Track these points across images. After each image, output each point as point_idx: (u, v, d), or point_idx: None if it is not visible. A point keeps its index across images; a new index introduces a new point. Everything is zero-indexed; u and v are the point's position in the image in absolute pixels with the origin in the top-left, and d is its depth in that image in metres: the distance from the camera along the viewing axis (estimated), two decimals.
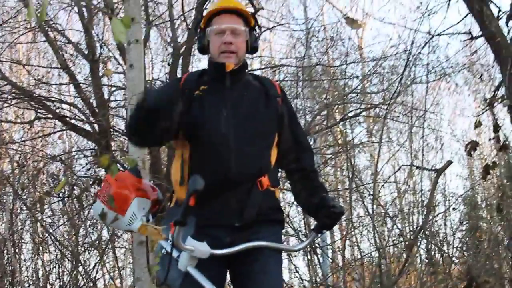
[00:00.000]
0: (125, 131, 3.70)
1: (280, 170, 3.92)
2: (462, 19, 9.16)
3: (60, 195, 10.72)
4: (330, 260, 11.13)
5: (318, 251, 9.71)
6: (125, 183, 3.52)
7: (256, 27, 3.82)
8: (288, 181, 3.96)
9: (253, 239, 3.43)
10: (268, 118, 3.64)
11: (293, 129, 3.74)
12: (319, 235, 4.13)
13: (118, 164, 8.19)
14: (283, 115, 3.70)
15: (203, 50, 3.76)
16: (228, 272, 3.58)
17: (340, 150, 11.09)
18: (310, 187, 3.68)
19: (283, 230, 3.90)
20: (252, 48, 3.76)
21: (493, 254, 10.00)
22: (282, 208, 3.83)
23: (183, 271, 3.25)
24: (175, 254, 3.29)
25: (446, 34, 9.58)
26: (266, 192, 3.54)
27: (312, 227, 3.64)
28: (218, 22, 3.68)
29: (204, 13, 3.79)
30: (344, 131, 10.52)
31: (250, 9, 3.92)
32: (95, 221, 10.68)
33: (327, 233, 11.97)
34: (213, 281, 3.28)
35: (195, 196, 3.05)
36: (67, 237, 11.09)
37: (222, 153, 3.46)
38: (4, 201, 10.80)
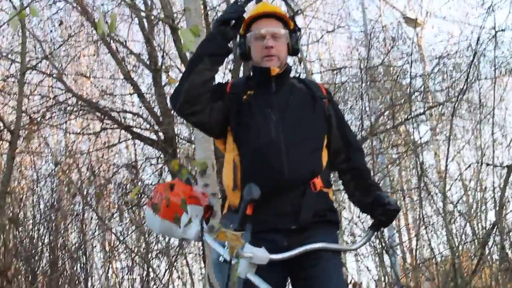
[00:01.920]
0: (173, 93, 3.66)
1: (332, 171, 3.88)
2: None
3: (129, 203, 10.85)
4: (401, 260, 11.01)
5: (389, 251, 9.59)
6: (177, 191, 3.51)
7: (297, 29, 3.81)
8: (341, 182, 3.91)
9: (310, 241, 3.39)
10: (316, 120, 3.61)
11: (341, 129, 3.71)
12: (375, 233, 4.06)
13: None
14: (331, 116, 3.67)
15: (245, 56, 3.75)
16: (288, 277, 3.55)
17: (408, 149, 10.98)
18: (363, 186, 3.63)
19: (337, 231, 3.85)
20: (293, 50, 3.75)
21: None
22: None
23: (243, 278, 3.23)
24: (233, 261, 3.26)
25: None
26: (320, 194, 3.50)
27: (368, 226, 3.56)
28: (258, 27, 3.67)
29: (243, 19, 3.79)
30: (412, 129, 10.37)
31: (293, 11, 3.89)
32: None
33: (396, 232, 11.84)
34: (274, 286, 3.26)
35: (252, 205, 3.04)
36: (137, 245, 11.22)
37: (274, 158, 3.44)
38: (76, 211, 10.97)
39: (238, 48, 3.80)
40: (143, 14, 11.14)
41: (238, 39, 3.78)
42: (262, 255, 3.20)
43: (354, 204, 3.84)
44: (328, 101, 3.72)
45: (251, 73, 3.77)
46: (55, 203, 10.94)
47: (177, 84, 3.59)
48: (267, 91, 3.63)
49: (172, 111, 11.06)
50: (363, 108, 10.81)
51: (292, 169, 3.41)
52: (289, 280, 3.57)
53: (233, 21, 3.50)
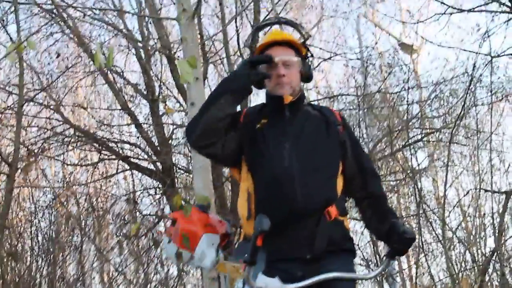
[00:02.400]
0: (189, 125, 3.66)
1: (347, 198, 3.87)
2: None
3: (126, 234, 10.82)
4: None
5: (389, 279, 9.55)
6: (193, 220, 3.50)
7: (309, 55, 3.80)
8: (357, 208, 3.89)
9: (325, 271, 3.37)
10: (330, 147, 3.60)
11: (356, 155, 3.68)
12: (391, 262, 4.04)
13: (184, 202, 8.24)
14: (345, 142, 3.65)
15: (258, 84, 3.75)
16: None
17: (406, 176, 10.97)
18: (379, 213, 3.62)
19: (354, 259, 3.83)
20: (306, 76, 3.74)
21: None
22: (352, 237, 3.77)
23: None
24: None
25: (507, 55, 9.46)
26: (335, 222, 3.48)
27: (384, 254, 3.54)
28: (270, 54, 3.67)
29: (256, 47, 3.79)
30: (410, 156, 10.36)
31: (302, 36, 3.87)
32: (162, 258, 10.76)
33: (395, 260, 11.80)
34: None
35: (263, 236, 3.02)
36: (136, 276, 11.18)
37: (287, 187, 3.42)
38: (74, 242, 10.94)
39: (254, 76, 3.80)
40: (140, 44, 11.18)
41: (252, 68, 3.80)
42: (275, 285, 3.19)
43: (370, 231, 3.83)
44: (343, 127, 3.70)
45: (266, 101, 3.77)
46: (53, 235, 10.90)
47: (174, 114, 3.62)
48: (281, 119, 3.62)
49: (170, 141, 11.08)
50: (361, 135, 10.82)
51: (306, 198, 3.40)
52: None
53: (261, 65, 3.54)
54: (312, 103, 4.13)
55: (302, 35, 3.84)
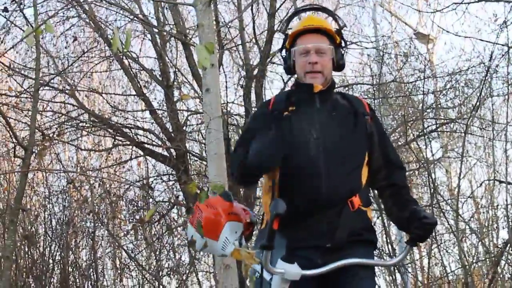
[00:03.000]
0: (233, 175, 3.71)
1: (372, 188, 3.87)
2: None
3: (140, 219, 10.85)
4: (413, 279, 10.93)
5: (401, 269, 9.53)
6: (216, 208, 3.51)
7: (343, 44, 3.77)
8: (380, 199, 3.89)
9: (345, 259, 3.37)
10: (358, 138, 3.58)
11: (383, 147, 3.67)
12: (413, 248, 4.03)
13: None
14: (373, 134, 3.63)
15: (289, 70, 3.73)
16: None
17: (420, 167, 10.95)
18: (400, 202, 3.61)
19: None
20: (338, 65, 3.72)
21: None
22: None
23: None
24: (267, 277, 3.26)
25: None
26: (358, 212, 3.48)
27: (405, 241, 3.54)
28: (303, 41, 3.63)
29: (289, 33, 3.76)
30: (424, 146, 10.33)
31: (335, 25, 3.84)
32: (175, 245, 10.82)
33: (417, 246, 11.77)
34: None
35: (279, 220, 3.02)
36: (148, 262, 11.22)
37: (312, 176, 3.42)
38: (88, 228, 10.99)
39: (283, 62, 3.79)
40: (155, 30, 11.18)
41: (283, 52, 3.78)
42: (294, 271, 3.20)
43: (392, 221, 3.84)
44: (371, 118, 3.68)
45: (294, 88, 3.75)
46: (67, 220, 10.94)
47: (189, 99, 3.65)
48: (310, 107, 3.60)
49: (184, 127, 11.09)
50: None
51: (331, 188, 3.40)
52: None
53: None
54: (343, 91, 4.10)
55: (338, 23, 3.82)
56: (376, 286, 3.75)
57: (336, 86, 3.84)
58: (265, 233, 3.15)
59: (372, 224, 3.67)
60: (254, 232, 3.65)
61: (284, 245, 3.29)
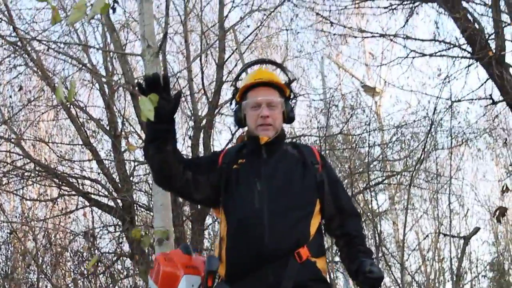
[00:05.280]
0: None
1: (326, 236, 3.86)
2: (482, 84, 9.23)
3: (84, 272, 10.68)
4: None
5: None
6: (174, 261, 3.49)
7: (292, 96, 3.81)
8: (337, 248, 3.89)
9: None
10: (306, 187, 3.58)
11: (335, 196, 3.66)
12: None
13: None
14: (323, 182, 3.64)
15: (240, 123, 3.75)
16: None
17: (366, 219, 11.02)
18: (351, 253, 3.61)
19: None
20: (289, 118, 3.75)
21: None
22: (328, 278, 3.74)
23: None
24: None
25: (467, 100, 9.64)
26: (306, 264, 3.47)
27: None
28: (254, 95, 3.66)
29: (239, 86, 3.78)
30: (371, 198, 10.42)
31: (284, 78, 3.88)
32: None
33: None
34: None
35: (212, 277, 3.03)
36: None
37: (256, 229, 3.41)
38: (31, 280, 10.77)
39: (234, 115, 3.79)
40: (104, 80, 11.15)
41: (233, 105, 3.79)
42: None
43: (347, 272, 3.83)
44: (322, 166, 3.68)
45: (246, 141, 3.76)
46: (9, 272, 10.72)
47: (136, 150, 3.62)
48: (257, 159, 3.61)
49: (131, 178, 11.01)
50: None
51: (274, 240, 3.38)
52: None
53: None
54: (294, 141, 4.12)
55: (287, 76, 3.85)
56: None
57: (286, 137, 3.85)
58: (220, 286, 3.15)
59: (324, 274, 3.63)
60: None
61: None
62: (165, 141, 3.41)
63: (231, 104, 3.84)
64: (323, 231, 3.71)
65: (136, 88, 3.28)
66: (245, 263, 3.26)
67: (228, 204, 3.56)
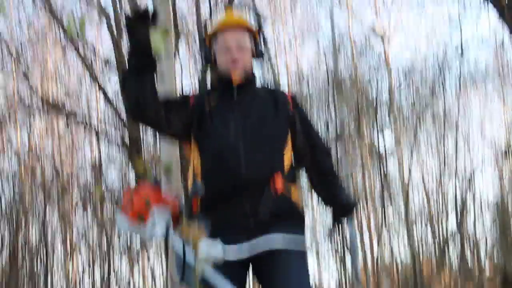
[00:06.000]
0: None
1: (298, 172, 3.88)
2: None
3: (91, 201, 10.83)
4: (362, 261, 11.02)
5: (351, 250, 9.54)
6: (143, 194, 3.51)
7: (262, 36, 3.81)
8: (309, 182, 3.91)
9: (269, 238, 3.38)
10: (278, 122, 3.59)
11: (306, 132, 3.67)
12: (336, 227, 4.01)
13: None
14: (294, 118, 3.65)
15: (210, 64, 3.75)
16: (251, 273, 3.52)
17: (373, 158, 11.11)
18: (326, 188, 3.64)
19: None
20: (258, 55, 3.75)
21: None
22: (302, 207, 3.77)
23: (200, 275, 3.22)
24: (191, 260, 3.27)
25: (476, 44, 9.60)
26: (281, 197, 3.49)
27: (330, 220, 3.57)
28: (224, 38, 3.66)
29: (209, 30, 3.78)
30: (377, 138, 10.48)
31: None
32: None
33: (357, 234, 11.85)
34: (233, 282, 3.25)
35: (197, 200, 3.06)
36: (98, 242, 11.15)
37: (231, 159, 3.41)
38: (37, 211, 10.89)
39: (204, 59, 3.79)
40: (111, 16, 11.17)
41: (204, 50, 3.79)
42: (215, 253, 3.19)
43: (320, 199, 3.84)
44: (293, 105, 3.70)
45: (215, 83, 3.77)
46: (17, 199, 10.84)
47: None
48: (230, 100, 3.62)
49: None
50: (329, 117, 10.92)
51: (250, 169, 3.39)
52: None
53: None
54: (264, 84, 4.08)
55: (257, 17, 3.84)
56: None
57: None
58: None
59: (299, 204, 3.66)
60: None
61: (208, 228, 3.30)
62: (145, 72, 3.40)
63: (200, 45, 3.85)
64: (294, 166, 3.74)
65: (126, 21, 3.25)
66: (221, 193, 3.26)
67: (203, 140, 3.57)
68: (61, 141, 11.31)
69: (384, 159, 10.91)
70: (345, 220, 3.57)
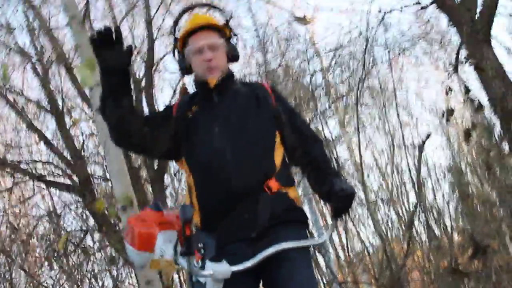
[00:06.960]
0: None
1: (293, 166, 3.85)
2: None
3: (55, 254, 10.65)
4: (335, 257, 11.09)
5: (322, 250, 9.62)
6: (147, 221, 3.48)
7: (233, 36, 3.80)
8: (304, 176, 3.89)
9: (273, 244, 3.37)
10: (263, 120, 3.58)
11: (294, 124, 3.67)
12: (338, 222, 4.00)
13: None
14: (279, 113, 3.64)
15: (186, 71, 3.73)
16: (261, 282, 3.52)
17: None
18: (320, 177, 3.61)
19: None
20: (233, 56, 3.74)
21: (489, 216, 9.98)
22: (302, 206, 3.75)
23: None
24: (202, 280, 3.26)
25: (397, 9, 9.65)
26: (278, 195, 3.47)
27: (330, 216, 3.56)
28: (194, 41, 3.64)
29: (178, 35, 3.76)
30: (321, 126, 10.50)
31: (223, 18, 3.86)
32: (96, 272, 10.67)
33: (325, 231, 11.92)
34: None
35: (189, 226, 3.03)
36: None
37: (220, 169, 3.41)
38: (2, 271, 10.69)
39: (178, 65, 3.76)
40: (34, 59, 10.99)
41: (177, 56, 3.76)
42: (223, 269, 3.19)
43: (318, 196, 3.84)
44: (274, 98, 3.69)
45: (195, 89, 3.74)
46: None
47: (82, 123, 3.52)
48: (210, 103, 3.60)
49: (82, 152, 10.92)
50: None
51: (241, 178, 3.37)
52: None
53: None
54: (243, 80, 4.08)
55: (223, 16, 3.83)
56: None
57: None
58: (196, 235, 3.15)
59: (298, 203, 3.64)
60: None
61: (213, 245, 3.29)
62: (120, 95, 3.34)
63: (173, 55, 3.80)
64: (287, 161, 3.72)
65: (90, 44, 3.19)
66: (217, 207, 3.27)
67: (189, 151, 3.56)
68: (10, 197, 11.09)
69: (332, 144, 10.93)
70: (346, 212, 3.57)
